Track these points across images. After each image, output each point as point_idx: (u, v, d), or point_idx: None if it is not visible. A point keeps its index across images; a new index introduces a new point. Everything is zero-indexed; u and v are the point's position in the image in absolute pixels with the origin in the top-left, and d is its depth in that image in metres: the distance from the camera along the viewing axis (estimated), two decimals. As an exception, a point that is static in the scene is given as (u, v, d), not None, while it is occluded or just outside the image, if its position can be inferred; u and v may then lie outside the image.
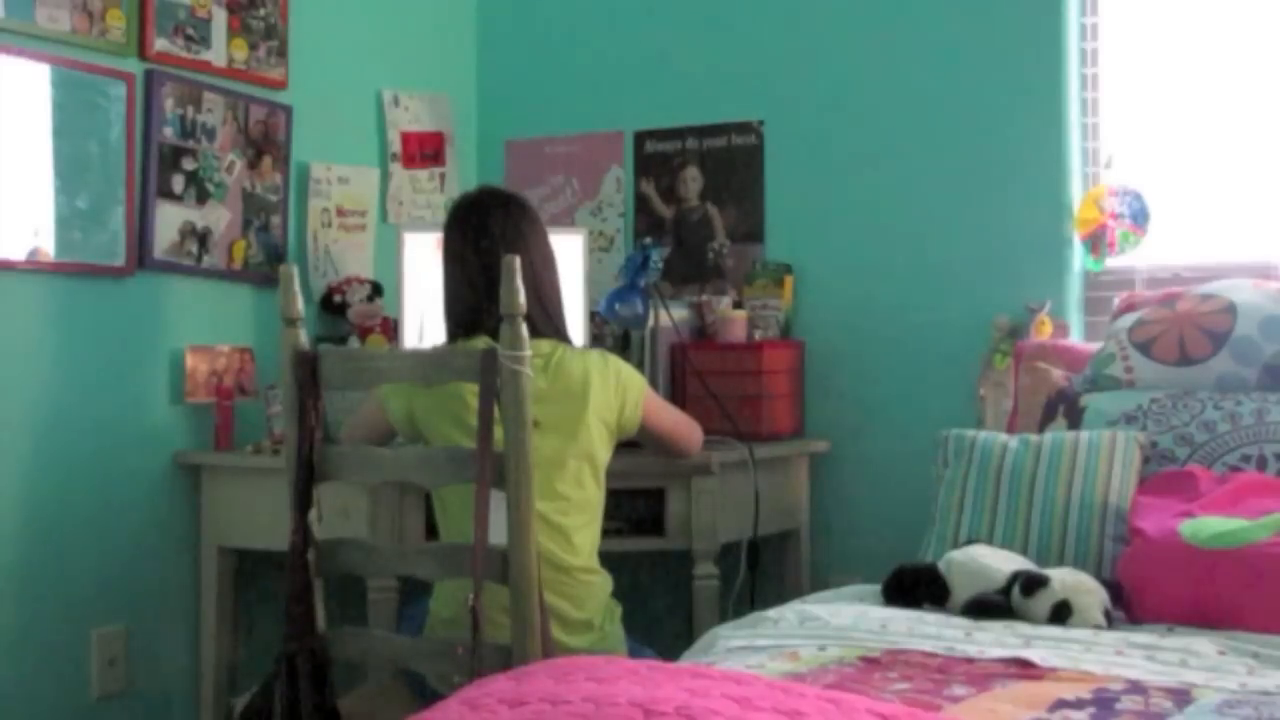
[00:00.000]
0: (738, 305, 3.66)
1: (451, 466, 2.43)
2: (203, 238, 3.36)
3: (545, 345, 2.62)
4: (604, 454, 2.68)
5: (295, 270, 2.54)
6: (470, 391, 2.46)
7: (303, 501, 2.48)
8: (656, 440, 2.89)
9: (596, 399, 2.65)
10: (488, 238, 2.67)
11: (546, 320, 2.69)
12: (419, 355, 2.56)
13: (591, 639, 2.59)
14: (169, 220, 3.28)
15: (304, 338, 2.51)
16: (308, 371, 2.48)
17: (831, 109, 3.70)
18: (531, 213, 2.77)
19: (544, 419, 2.54)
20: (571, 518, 2.61)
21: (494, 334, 2.38)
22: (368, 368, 2.57)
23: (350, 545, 2.57)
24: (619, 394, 2.70)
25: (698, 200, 3.85)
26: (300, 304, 2.52)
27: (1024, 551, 2.58)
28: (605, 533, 2.73)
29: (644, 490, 3.15)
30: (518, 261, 2.30)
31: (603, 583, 2.66)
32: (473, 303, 2.66)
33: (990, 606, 2.34)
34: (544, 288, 2.70)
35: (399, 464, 2.54)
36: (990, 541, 2.62)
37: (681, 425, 2.96)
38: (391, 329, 3.58)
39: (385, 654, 2.57)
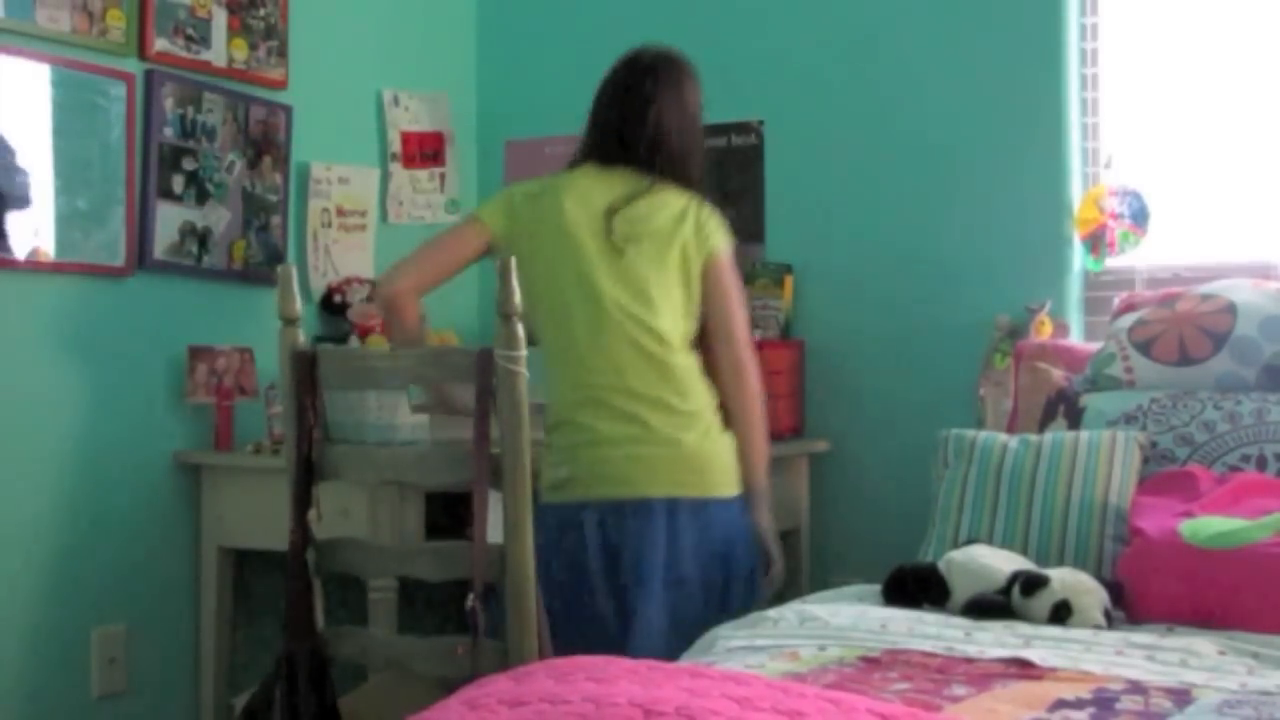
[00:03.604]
0: (738, 305, 3.65)
1: (450, 466, 2.43)
2: (203, 238, 3.36)
3: (646, 180, 2.80)
4: (696, 274, 2.79)
5: (294, 270, 2.55)
6: (572, 203, 2.76)
7: (302, 501, 2.49)
8: (715, 312, 2.83)
9: (687, 228, 2.78)
10: (634, 90, 2.84)
11: (666, 163, 2.81)
12: (418, 354, 2.56)
13: (700, 432, 2.71)
14: (169, 220, 3.29)
15: (302, 337, 2.52)
16: (306, 371, 2.48)
17: (831, 109, 3.70)
18: (680, 75, 2.89)
19: (640, 235, 2.75)
20: (664, 317, 2.74)
21: (627, 161, 2.79)
22: (366, 367, 2.57)
23: (350, 545, 2.57)
24: (705, 232, 2.81)
25: (698, 200, 3.84)
26: (299, 304, 2.53)
27: (1024, 551, 2.58)
28: None
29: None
30: (514, 261, 2.31)
31: (696, 367, 2.77)
32: (612, 133, 2.84)
33: (990, 606, 2.34)
34: (668, 137, 2.82)
35: (398, 464, 2.54)
36: (990, 541, 2.63)
37: (741, 317, 2.89)
38: (391, 329, 3.58)
39: (385, 654, 2.57)
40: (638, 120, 2.81)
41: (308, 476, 2.49)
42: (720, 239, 2.84)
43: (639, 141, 2.81)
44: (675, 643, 2.42)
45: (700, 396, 2.73)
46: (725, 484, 2.71)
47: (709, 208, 2.85)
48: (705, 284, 2.80)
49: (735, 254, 2.90)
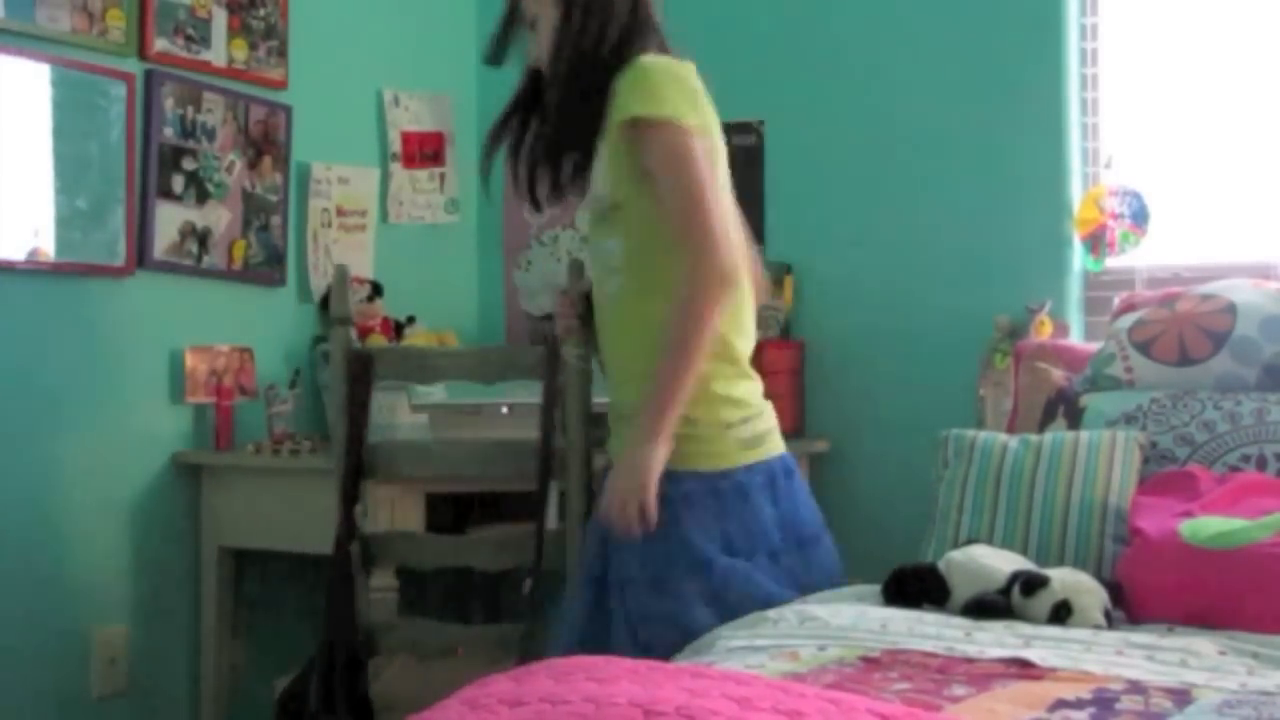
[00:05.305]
0: (738, 305, 3.66)
1: (508, 460, 2.47)
2: (203, 238, 3.36)
3: None
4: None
5: (348, 270, 2.60)
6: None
7: (350, 496, 2.54)
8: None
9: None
10: None
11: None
12: (481, 352, 2.58)
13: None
14: (169, 220, 3.29)
15: (354, 336, 2.58)
16: (361, 369, 2.53)
17: (831, 109, 3.70)
18: None
19: None
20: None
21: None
22: (425, 365, 2.62)
23: (406, 537, 2.62)
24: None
25: (698, 200, 3.84)
26: (351, 303, 2.59)
27: (1024, 551, 2.58)
28: None
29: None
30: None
31: None
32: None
33: (990, 606, 2.33)
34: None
35: (456, 460, 2.57)
36: (990, 541, 2.62)
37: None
38: (391, 329, 3.58)
39: (439, 643, 2.62)
40: None
41: (357, 472, 2.55)
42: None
43: None
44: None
45: None
46: None
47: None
48: None
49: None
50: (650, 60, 2.31)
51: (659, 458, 2.19)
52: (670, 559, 2.24)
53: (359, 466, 2.55)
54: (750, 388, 2.37)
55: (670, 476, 2.23)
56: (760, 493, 2.33)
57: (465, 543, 2.73)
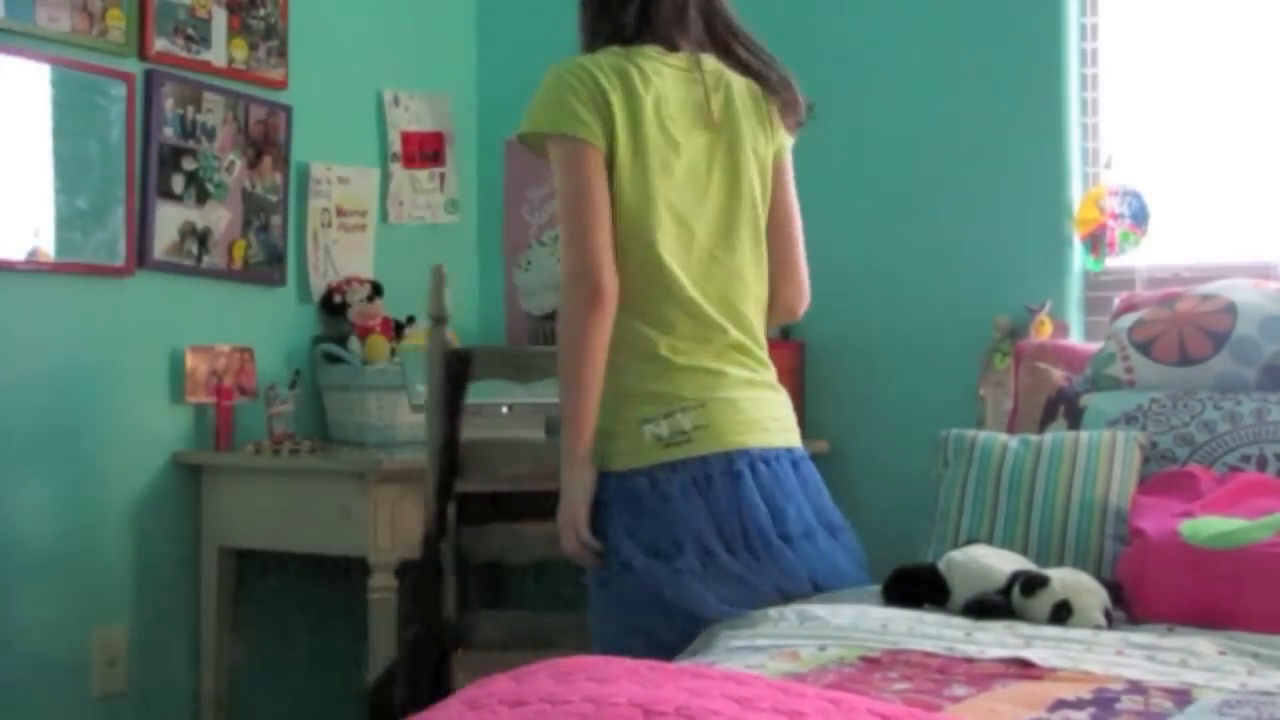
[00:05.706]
0: (738, 305, 3.65)
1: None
2: (203, 238, 3.36)
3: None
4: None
5: (444, 269, 2.62)
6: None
7: (443, 493, 2.57)
8: None
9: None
10: None
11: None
12: None
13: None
14: (169, 220, 3.29)
15: (450, 335, 2.62)
16: (461, 369, 2.56)
17: (831, 109, 3.69)
18: None
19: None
20: None
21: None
22: (526, 364, 2.65)
23: (500, 531, 2.65)
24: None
25: (698, 200, 3.83)
26: (449, 302, 2.61)
27: (1024, 551, 2.58)
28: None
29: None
30: None
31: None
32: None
33: (990, 606, 2.33)
34: None
35: (545, 452, 2.59)
36: (990, 541, 2.62)
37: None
38: (391, 329, 3.58)
39: (532, 633, 2.66)
40: None
41: (451, 469, 2.57)
42: None
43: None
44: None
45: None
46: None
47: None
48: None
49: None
50: (556, 67, 2.33)
51: (578, 481, 2.26)
52: (605, 560, 2.28)
53: (454, 466, 2.59)
54: (688, 381, 2.31)
55: (598, 479, 2.28)
56: (684, 492, 2.28)
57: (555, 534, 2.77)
